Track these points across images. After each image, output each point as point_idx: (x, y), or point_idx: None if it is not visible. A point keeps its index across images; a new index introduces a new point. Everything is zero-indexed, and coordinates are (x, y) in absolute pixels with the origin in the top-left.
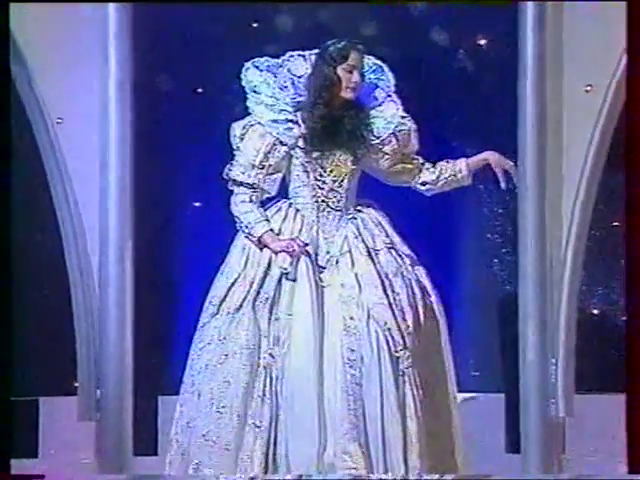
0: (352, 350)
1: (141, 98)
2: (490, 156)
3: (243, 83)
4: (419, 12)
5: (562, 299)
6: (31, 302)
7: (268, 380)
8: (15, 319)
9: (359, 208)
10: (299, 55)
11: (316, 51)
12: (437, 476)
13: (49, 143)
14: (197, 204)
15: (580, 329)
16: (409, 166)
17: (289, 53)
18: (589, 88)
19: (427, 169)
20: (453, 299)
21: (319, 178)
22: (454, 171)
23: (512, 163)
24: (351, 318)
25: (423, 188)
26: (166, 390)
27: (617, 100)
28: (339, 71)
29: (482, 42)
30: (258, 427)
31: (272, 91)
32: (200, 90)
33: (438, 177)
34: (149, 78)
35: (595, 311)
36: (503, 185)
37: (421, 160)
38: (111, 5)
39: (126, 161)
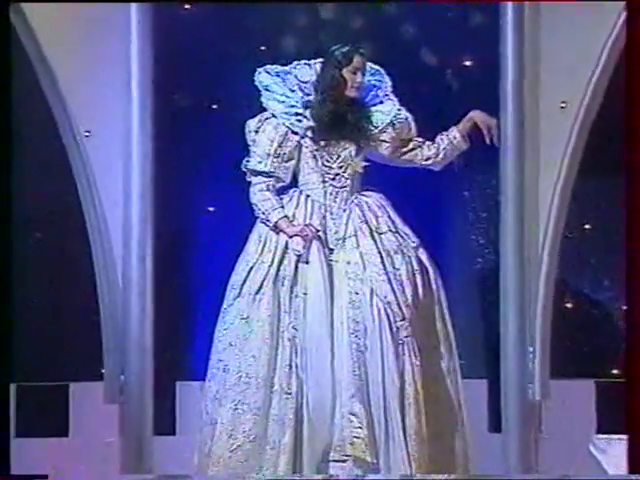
0: (357, 322)
1: (161, 114)
2: (474, 114)
3: (256, 84)
4: (412, 35)
5: (539, 294)
6: (62, 298)
7: (293, 351)
8: (48, 313)
9: (363, 192)
10: (305, 64)
11: (320, 60)
12: (444, 476)
13: (78, 154)
14: (211, 208)
15: (555, 321)
16: (410, 146)
17: (296, 62)
18: (564, 105)
19: (427, 146)
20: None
21: (326, 164)
22: (449, 139)
23: (495, 120)
24: (356, 293)
25: (428, 163)
26: (183, 376)
27: (589, 115)
28: (344, 73)
29: (468, 63)
30: (288, 394)
31: (282, 90)
32: (215, 106)
33: (438, 149)
34: (169, 96)
35: (568, 305)
36: (487, 140)
37: (421, 139)
38: (134, 32)
39: (147, 170)
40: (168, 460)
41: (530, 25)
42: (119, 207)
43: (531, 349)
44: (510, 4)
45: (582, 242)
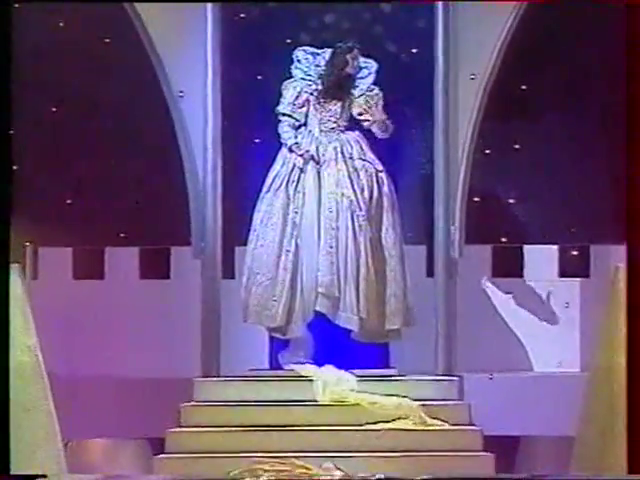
0: (331, 211)
1: (225, 82)
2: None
3: (293, 57)
4: (380, 31)
5: (458, 192)
6: (171, 200)
7: (295, 225)
8: (160, 204)
9: (347, 132)
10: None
11: (329, 49)
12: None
13: (175, 106)
14: (257, 140)
15: (467, 209)
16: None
17: (326, 48)
18: (473, 76)
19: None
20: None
21: (322, 114)
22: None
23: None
24: (332, 192)
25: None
26: (240, 243)
27: (489, 82)
28: (348, 57)
29: (414, 50)
30: (288, 251)
31: (308, 63)
32: (260, 77)
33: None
34: (230, 70)
35: (476, 199)
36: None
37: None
38: (209, 28)
39: (218, 118)
40: (230, 294)
41: (453, 22)
42: (200, 137)
43: (453, 227)
44: (440, 5)
45: (485, 161)
